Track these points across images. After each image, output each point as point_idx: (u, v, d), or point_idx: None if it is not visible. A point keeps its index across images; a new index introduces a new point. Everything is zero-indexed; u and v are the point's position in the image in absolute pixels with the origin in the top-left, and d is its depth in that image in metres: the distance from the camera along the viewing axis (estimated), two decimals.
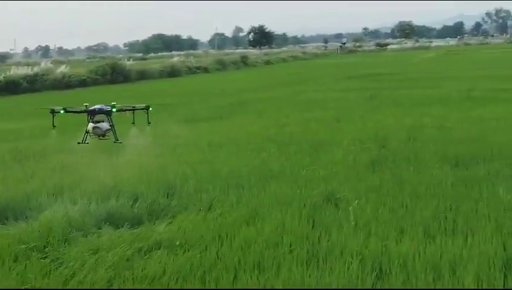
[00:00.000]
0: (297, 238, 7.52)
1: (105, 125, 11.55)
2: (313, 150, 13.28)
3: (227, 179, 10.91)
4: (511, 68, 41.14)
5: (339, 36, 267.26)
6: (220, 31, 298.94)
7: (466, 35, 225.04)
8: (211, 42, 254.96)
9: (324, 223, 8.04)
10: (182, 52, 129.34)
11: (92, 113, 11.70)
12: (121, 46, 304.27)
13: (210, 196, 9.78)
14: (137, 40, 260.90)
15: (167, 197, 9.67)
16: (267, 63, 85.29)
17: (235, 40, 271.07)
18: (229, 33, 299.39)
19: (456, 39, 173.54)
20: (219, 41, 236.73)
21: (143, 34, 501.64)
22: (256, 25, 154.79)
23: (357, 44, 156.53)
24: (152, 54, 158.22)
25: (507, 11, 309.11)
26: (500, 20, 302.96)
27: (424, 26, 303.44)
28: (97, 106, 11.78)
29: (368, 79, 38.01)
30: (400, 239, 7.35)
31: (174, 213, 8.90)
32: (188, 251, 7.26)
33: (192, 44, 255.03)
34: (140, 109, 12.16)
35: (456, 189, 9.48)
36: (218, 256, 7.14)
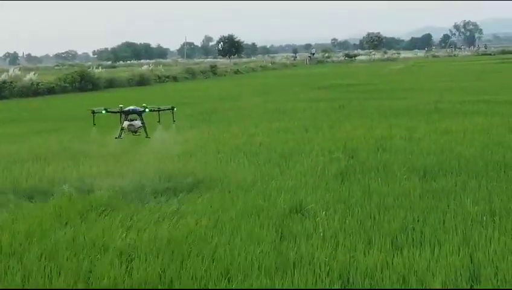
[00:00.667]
0: (265, 248, 7.52)
1: (138, 123, 13.51)
2: (282, 160, 13.29)
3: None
4: (477, 80, 41.49)
5: (308, 47, 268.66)
6: (189, 40, 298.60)
7: (434, 47, 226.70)
8: (181, 51, 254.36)
9: (292, 234, 8.05)
10: (151, 61, 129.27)
11: (126, 113, 13.59)
12: (90, 53, 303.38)
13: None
14: (107, 48, 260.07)
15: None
16: (236, 72, 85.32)
17: (205, 49, 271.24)
18: (198, 42, 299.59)
19: (424, 51, 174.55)
20: (188, 50, 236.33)
21: (112, 42, 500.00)
22: (226, 34, 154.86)
23: (326, 55, 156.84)
24: (121, 62, 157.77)
25: (474, 24, 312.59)
26: (468, 33, 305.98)
27: (392, 38, 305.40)
28: (131, 107, 13.76)
29: (337, 90, 38.14)
30: (368, 250, 7.36)
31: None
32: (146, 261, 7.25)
33: (161, 53, 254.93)
34: (167, 110, 14.21)
35: (424, 200, 9.53)
36: (182, 266, 7.14)
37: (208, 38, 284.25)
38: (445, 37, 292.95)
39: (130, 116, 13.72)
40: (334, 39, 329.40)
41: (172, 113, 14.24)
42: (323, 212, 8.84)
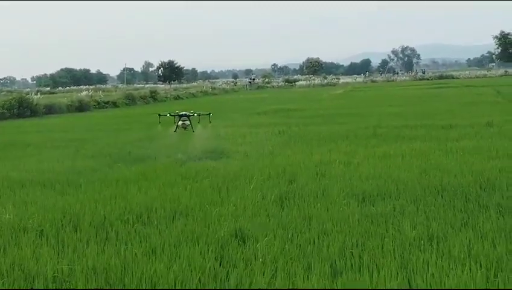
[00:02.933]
0: (205, 275, 7.50)
1: (187, 123, 22.77)
2: (223, 186, 13.28)
3: (138, 213, 10.90)
4: (415, 105, 41.95)
5: (248, 72, 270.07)
6: (129, 66, 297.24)
7: (373, 72, 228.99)
8: (120, 77, 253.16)
9: (232, 260, 8.04)
10: (91, 87, 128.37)
11: (180, 116, 22.98)
12: (29, 79, 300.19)
13: (117, 229, 9.78)
14: (46, 74, 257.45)
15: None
16: (177, 98, 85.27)
17: (145, 75, 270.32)
18: (138, 68, 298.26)
19: (363, 76, 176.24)
20: (128, 75, 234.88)
21: (51, 68, 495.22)
22: (166, 60, 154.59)
23: (266, 80, 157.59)
24: (60, 88, 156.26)
25: (412, 49, 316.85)
26: (406, 58, 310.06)
27: (332, 63, 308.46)
28: (183, 112, 23.31)
29: (278, 115, 38.30)
30: (307, 276, 7.38)
31: None
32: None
33: (101, 78, 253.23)
34: (206, 114, 23.89)
35: (363, 225, 9.59)
36: None
37: (148, 64, 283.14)
38: (384, 62, 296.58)
39: (182, 118, 22.88)
40: (274, 64, 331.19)
41: (209, 117, 23.88)
42: (264, 239, 8.85)
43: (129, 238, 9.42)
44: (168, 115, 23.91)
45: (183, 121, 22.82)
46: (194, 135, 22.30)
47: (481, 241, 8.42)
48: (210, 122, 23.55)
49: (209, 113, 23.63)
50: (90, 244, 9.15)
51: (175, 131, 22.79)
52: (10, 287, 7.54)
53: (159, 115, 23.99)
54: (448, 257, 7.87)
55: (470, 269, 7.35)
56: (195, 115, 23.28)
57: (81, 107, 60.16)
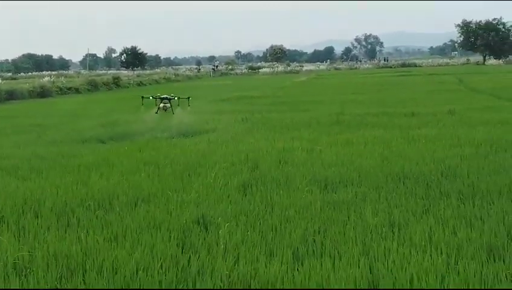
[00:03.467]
0: (167, 261, 7.49)
1: (168, 105, 25.17)
2: (185, 173, 13.25)
3: (99, 200, 10.85)
4: (378, 93, 42.19)
5: (211, 59, 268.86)
6: (92, 52, 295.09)
7: (336, 60, 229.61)
8: (83, 63, 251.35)
9: (194, 247, 8.03)
10: (53, 72, 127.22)
11: (162, 99, 25.24)
12: None
13: (78, 216, 9.74)
14: (7, 60, 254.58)
15: None
16: (139, 84, 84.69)
17: (108, 61, 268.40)
18: (101, 54, 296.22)
19: (327, 64, 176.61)
20: (91, 62, 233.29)
21: (13, 54, 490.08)
22: (129, 46, 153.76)
23: (230, 67, 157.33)
24: (22, 74, 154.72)
25: (376, 37, 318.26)
26: (369, 46, 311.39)
27: (295, 50, 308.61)
28: (164, 95, 25.83)
29: (241, 102, 38.23)
30: (270, 262, 7.39)
31: None
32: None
33: (63, 64, 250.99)
34: (185, 98, 25.84)
35: (325, 212, 9.62)
36: (84, 281, 7.06)
37: (111, 50, 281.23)
38: (347, 50, 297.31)
39: (163, 101, 25.24)
40: (238, 51, 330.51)
41: (188, 100, 25.80)
42: (226, 225, 8.84)
43: (90, 225, 9.36)
44: (150, 97, 26.37)
45: (164, 103, 25.40)
46: (174, 116, 24.68)
47: (442, 228, 8.48)
48: (189, 105, 25.55)
49: (188, 97, 26.01)
50: (51, 231, 9.08)
51: (156, 112, 25.16)
52: None
53: (142, 97, 26.42)
54: (410, 244, 7.92)
55: (431, 256, 7.40)
56: (176, 98, 26.08)
57: (43, 93, 59.58)
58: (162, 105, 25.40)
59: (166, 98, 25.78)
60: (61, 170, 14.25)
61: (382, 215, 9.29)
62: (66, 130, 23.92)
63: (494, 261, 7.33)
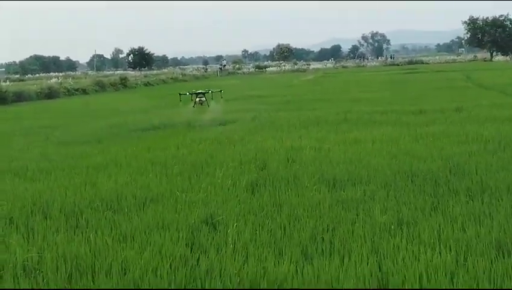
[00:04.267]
0: (176, 261, 7.49)
1: (203, 99, 29.26)
2: (193, 173, 13.25)
3: (108, 201, 10.87)
4: (385, 91, 41.97)
5: (219, 58, 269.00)
6: (99, 53, 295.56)
7: (343, 58, 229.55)
8: (90, 64, 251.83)
9: (203, 246, 8.04)
10: (61, 74, 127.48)
11: (197, 94, 29.72)
12: None
13: (87, 217, 9.74)
14: (15, 61, 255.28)
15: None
16: (147, 84, 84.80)
17: (115, 62, 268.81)
18: (108, 55, 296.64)
19: (334, 62, 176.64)
20: (98, 62, 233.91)
21: (20, 55, 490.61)
22: (136, 47, 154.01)
23: (237, 66, 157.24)
24: (30, 76, 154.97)
25: (382, 35, 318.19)
26: (376, 44, 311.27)
27: (302, 49, 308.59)
28: (199, 90, 30.47)
29: (248, 101, 38.22)
30: (279, 261, 7.39)
31: None
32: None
33: (70, 65, 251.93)
34: (218, 91, 31.40)
35: (333, 210, 9.61)
36: (93, 282, 7.08)
37: (118, 51, 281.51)
38: (354, 48, 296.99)
39: (198, 96, 29.84)
40: (245, 50, 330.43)
41: (221, 93, 31.75)
42: (234, 224, 8.84)
43: (99, 225, 9.38)
44: (187, 93, 31.54)
45: (199, 98, 30.44)
46: (209, 109, 29.03)
47: (451, 226, 8.47)
48: (221, 97, 32.08)
49: (221, 90, 32.10)
50: (60, 232, 9.10)
51: (193, 106, 29.99)
52: None
53: (180, 94, 31.20)
54: (419, 242, 7.91)
55: (440, 253, 7.40)
56: (210, 92, 31.47)
57: (50, 94, 59.66)
58: (197, 99, 30.48)
59: (200, 93, 30.98)
60: (70, 171, 14.30)
61: (391, 213, 9.28)
62: (74, 131, 23.91)
63: (504, 257, 7.31)
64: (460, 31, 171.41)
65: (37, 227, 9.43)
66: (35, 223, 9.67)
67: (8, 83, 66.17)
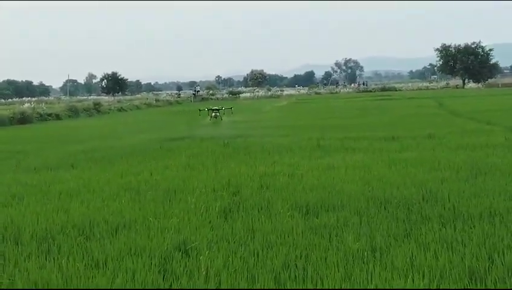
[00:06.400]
0: (148, 288, 7.45)
1: (218, 114, 44.28)
2: (166, 199, 13.20)
3: (80, 226, 10.79)
4: (358, 117, 42.30)
5: (192, 84, 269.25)
6: (72, 78, 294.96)
7: (317, 84, 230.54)
8: (63, 89, 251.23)
9: (175, 273, 7.99)
10: (34, 99, 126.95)
11: (213, 110, 45.22)
12: None
13: (59, 243, 9.65)
14: None
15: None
16: (120, 110, 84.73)
17: (88, 87, 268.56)
18: (81, 80, 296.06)
19: (307, 88, 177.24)
20: (71, 87, 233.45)
21: None
22: (110, 72, 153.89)
23: (211, 92, 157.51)
24: (2, 100, 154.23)
25: (355, 61, 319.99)
26: (349, 70, 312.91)
27: (276, 75, 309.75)
28: (214, 107, 46.48)
29: (221, 126, 38.29)
30: (251, 288, 7.37)
31: None
32: None
33: (44, 90, 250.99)
34: (229, 108, 47.17)
35: (307, 237, 9.59)
36: None
37: (92, 76, 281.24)
38: (327, 74, 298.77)
39: (214, 111, 44.57)
40: (219, 76, 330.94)
41: (231, 110, 46.71)
42: (207, 251, 8.81)
43: (71, 251, 9.30)
44: (206, 109, 46.82)
45: (215, 113, 44.93)
46: (222, 122, 42.11)
47: (423, 253, 8.48)
48: (232, 113, 46.50)
49: (231, 107, 47.80)
50: (31, 258, 9.02)
51: (210, 120, 43.94)
52: None
53: (199, 110, 47.72)
54: (392, 269, 7.91)
55: (413, 280, 7.40)
56: (223, 108, 46.29)
57: (23, 119, 59.38)
58: (213, 114, 44.66)
59: (216, 109, 45.68)
60: (42, 197, 14.18)
61: (364, 239, 9.28)
62: (46, 156, 23.76)
63: (476, 285, 7.33)
64: (433, 58, 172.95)
65: (9, 253, 9.34)
66: (6, 249, 9.58)
67: None
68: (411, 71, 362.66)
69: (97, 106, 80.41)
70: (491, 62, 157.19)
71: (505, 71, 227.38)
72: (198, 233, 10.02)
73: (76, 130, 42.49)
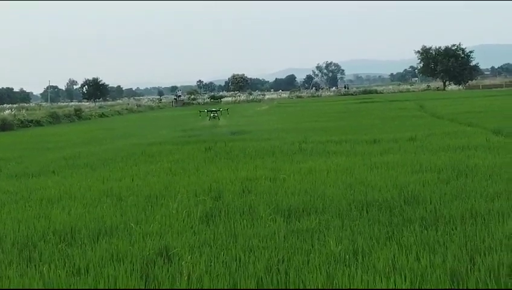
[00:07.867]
0: None
1: (216, 115, 53.86)
2: (148, 204, 13.16)
3: (61, 233, 10.75)
4: (340, 120, 42.36)
5: (174, 89, 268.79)
6: (53, 84, 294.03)
7: (298, 88, 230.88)
8: (44, 95, 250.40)
9: (157, 279, 7.98)
10: (14, 105, 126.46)
11: (211, 111, 55.14)
12: None
13: (40, 250, 9.61)
14: None
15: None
16: (102, 115, 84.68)
17: (69, 93, 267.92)
18: (62, 86, 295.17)
19: (288, 92, 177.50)
20: (52, 94, 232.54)
21: None
22: (90, 78, 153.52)
23: (192, 96, 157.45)
24: None
25: (337, 65, 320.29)
26: (331, 74, 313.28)
27: (257, 79, 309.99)
28: (213, 108, 58.92)
29: (203, 131, 38.24)
30: None
31: None
32: None
33: (24, 97, 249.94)
34: (225, 110, 60.03)
35: (289, 241, 9.59)
36: None
37: (72, 82, 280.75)
38: (309, 78, 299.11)
39: (212, 112, 54.36)
40: (200, 81, 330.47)
41: (227, 111, 59.41)
42: (189, 256, 8.79)
43: (52, 258, 9.26)
44: (205, 111, 55.74)
45: (213, 114, 53.56)
46: (220, 121, 48.69)
47: (405, 255, 8.49)
48: (228, 114, 56.00)
49: (227, 109, 58.77)
50: (12, 266, 8.98)
51: (209, 120, 51.31)
52: None
53: (200, 111, 57.11)
54: (374, 271, 7.92)
55: (395, 283, 7.42)
56: (220, 110, 55.91)
57: (4, 126, 59.24)
58: (211, 115, 53.34)
59: (214, 111, 55.13)
60: (23, 204, 14.12)
61: (346, 243, 9.28)
62: (26, 163, 23.66)
63: (458, 286, 7.35)
64: (414, 60, 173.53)
65: None
66: None
67: None
68: (392, 74, 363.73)
69: (78, 112, 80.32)
70: (471, 64, 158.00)
71: (486, 73, 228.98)
72: (180, 238, 10.02)
73: (57, 137, 42.30)
